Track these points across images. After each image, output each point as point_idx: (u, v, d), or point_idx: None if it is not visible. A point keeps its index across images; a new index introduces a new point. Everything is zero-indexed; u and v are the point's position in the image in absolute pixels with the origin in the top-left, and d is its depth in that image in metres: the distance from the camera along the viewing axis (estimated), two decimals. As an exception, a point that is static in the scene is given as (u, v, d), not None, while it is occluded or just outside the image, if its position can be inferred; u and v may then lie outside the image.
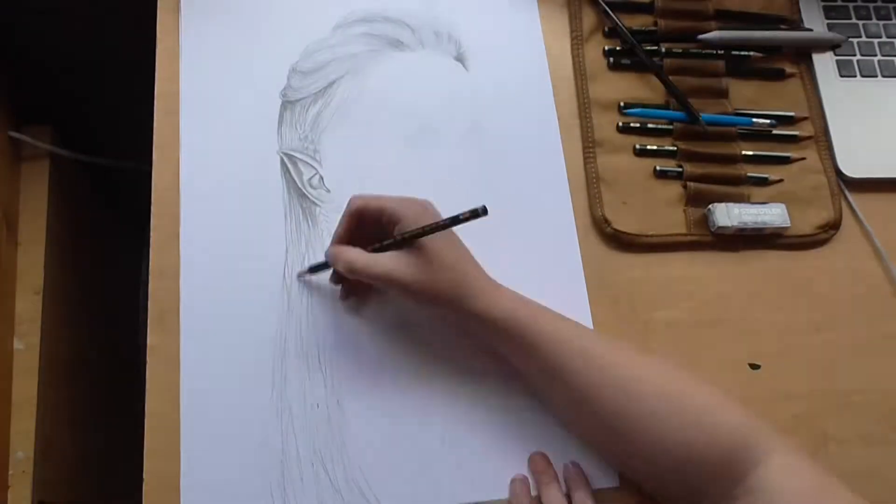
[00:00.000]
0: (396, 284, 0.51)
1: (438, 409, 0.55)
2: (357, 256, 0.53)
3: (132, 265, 1.00)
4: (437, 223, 0.51)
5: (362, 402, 0.55)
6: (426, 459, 0.54)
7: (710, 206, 0.62)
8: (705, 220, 0.63)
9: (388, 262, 0.52)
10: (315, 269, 0.57)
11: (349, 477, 0.53)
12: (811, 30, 0.70)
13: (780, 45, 0.69)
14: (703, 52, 0.68)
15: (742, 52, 0.69)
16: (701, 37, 0.68)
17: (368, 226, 0.54)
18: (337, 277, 0.57)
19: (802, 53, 0.70)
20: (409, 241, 0.51)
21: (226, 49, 0.63)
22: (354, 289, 0.57)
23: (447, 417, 0.55)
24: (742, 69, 0.69)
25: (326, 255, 0.55)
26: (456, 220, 0.50)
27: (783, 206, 0.63)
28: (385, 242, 0.53)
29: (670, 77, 0.67)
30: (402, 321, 0.57)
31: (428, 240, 0.51)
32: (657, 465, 0.49)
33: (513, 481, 0.54)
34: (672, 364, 0.52)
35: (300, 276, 0.57)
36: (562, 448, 0.55)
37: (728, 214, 0.61)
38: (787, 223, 0.62)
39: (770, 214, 0.62)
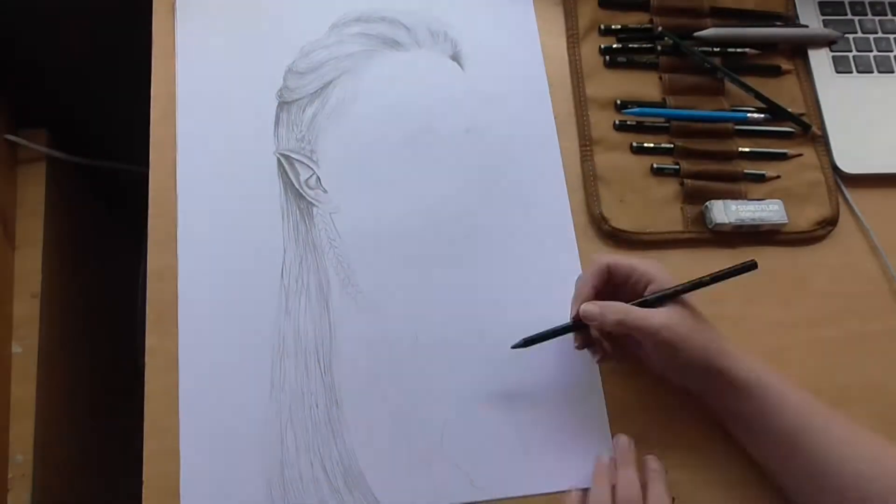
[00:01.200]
0: (671, 338, 0.51)
1: (438, 408, 0.55)
2: (630, 309, 0.52)
3: (130, 267, 1.00)
4: (713, 276, 0.54)
5: (361, 402, 0.55)
6: (426, 459, 0.54)
7: (707, 203, 0.63)
8: (702, 218, 0.63)
9: (663, 317, 0.52)
10: (540, 338, 0.55)
11: (349, 477, 0.53)
12: (807, 26, 0.70)
13: (775, 42, 0.69)
14: (700, 49, 0.68)
15: (738, 50, 0.69)
16: (697, 34, 0.68)
17: (608, 285, 0.55)
18: (582, 341, 0.56)
19: (798, 50, 0.70)
20: (673, 297, 0.53)
21: (221, 50, 0.63)
22: (606, 349, 0.56)
23: (446, 417, 0.55)
24: (738, 66, 0.69)
25: (584, 312, 0.53)
26: (726, 275, 0.53)
27: (780, 202, 0.63)
28: (656, 295, 0.53)
29: (668, 75, 0.67)
30: (403, 322, 0.57)
31: (687, 300, 0.53)
32: None
33: (598, 458, 0.55)
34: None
35: (516, 346, 0.56)
36: (568, 449, 0.55)
37: (725, 211, 0.61)
38: (785, 219, 0.62)
39: (767, 211, 0.62)
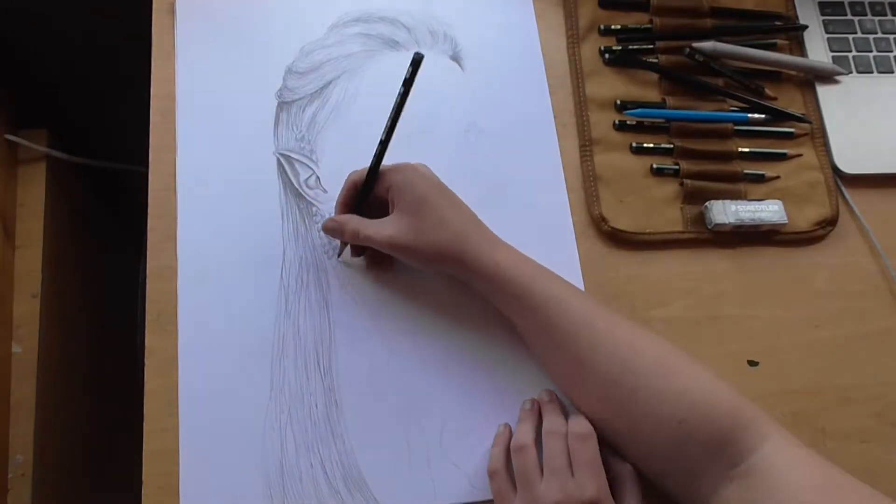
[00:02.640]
0: (400, 248, 0.53)
1: (437, 408, 0.55)
2: (360, 225, 0.54)
3: (130, 267, 1.00)
4: (389, 122, 0.53)
5: (361, 403, 0.55)
6: (425, 459, 0.54)
7: (706, 203, 0.63)
8: (702, 218, 0.63)
9: (389, 228, 0.53)
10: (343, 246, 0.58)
11: (348, 477, 0.53)
12: (806, 26, 0.70)
13: (779, 70, 0.69)
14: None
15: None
16: (696, 45, 0.67)
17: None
18: (356, 249, 0.58)
19: (799, 51, 0.70)
20: (376, 170, 0.54)
21: (221, 50, 0.63)
22: (374, 255, 0.58)
23: (446, 417, 0.55)
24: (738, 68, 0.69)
25: (324, 228, 0.56)
26: (406, 88, 0.52)
27: (780, 202, 0.63)
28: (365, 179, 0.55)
29: (667, 76, 0.67)
30: (402, 322, 0.57)
31: (428, 202, 0.53)
32: (650, 439, 0.49)
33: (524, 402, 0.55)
34: (669, 342, 0.52)
35: (340, 257, 0.58)
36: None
37: (725, 211, 0.62)
38: (785, 220, 0.62)
39: (767, 211, 0.62)
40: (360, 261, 0.58)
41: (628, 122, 0.66)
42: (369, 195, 0.56)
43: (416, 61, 0.50)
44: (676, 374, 0.50)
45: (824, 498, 0.45)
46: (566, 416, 0.53)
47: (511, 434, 0.54)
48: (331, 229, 0.56)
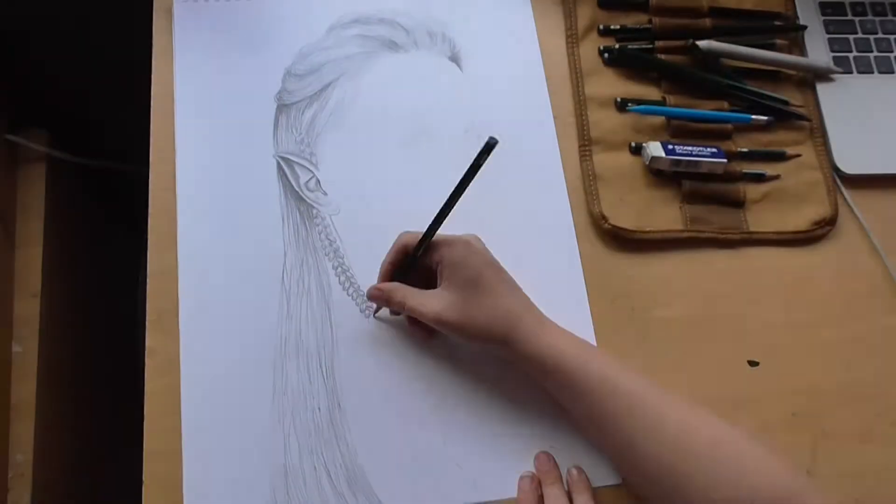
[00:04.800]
0: (447, 325, 0.52)
1: (440, 410, 0.55)
2: (408, 296, 0.53)
3: (130, 267, 1.00)
4: (451, 198, 0.51)
5: (364, 405, 0.55)
6: (428, 460, 0.54)
7: (643, 143, 0.64)
8: (701, 218, 0.63)
9: (437, 303, 0.52)
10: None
11: (351, 479, 0.53)
12: (806, 26, 0.70)
13: (777, 70, 0.69)
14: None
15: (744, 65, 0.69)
16: (692, 42, 0.67)
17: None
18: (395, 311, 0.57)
19: (798, 50, 0.70)
20: (428, 238, 0.52)
21: (220, 52, 0.63)
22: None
23: (448, 418, 0.55)
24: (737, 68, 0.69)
25: (368, 295, 0.55)
26: (472, 170, 0.50)
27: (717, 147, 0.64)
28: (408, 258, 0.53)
29: (666, 77, 0.67)
30: (402, 325, 0.57)
31: (480, 282, 0.51)
32: None
33: (521, 478, 0.54)
34: (723, 420, 0.50)
35: (375, 315, 0.57)
36: (565, 448, 0.55)
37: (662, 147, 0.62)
38: (724, 160, 0.63)
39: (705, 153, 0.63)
40: (359, 263, 0.58)
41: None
42: (418, 265, 0.55)
43: (490, 146, 0.49)
44: (732, 457, 0.48)
45: None
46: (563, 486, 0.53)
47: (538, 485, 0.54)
48: (376, 297, 0.55)
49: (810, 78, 0.70)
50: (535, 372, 0.52)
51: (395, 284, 0.55)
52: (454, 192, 0.52)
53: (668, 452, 0.48)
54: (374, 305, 0.57)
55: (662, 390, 0.50)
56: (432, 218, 0.52)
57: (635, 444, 0.49)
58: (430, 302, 0.52)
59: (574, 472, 0.54)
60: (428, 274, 0.55)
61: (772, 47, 0.69)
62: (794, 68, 0.69)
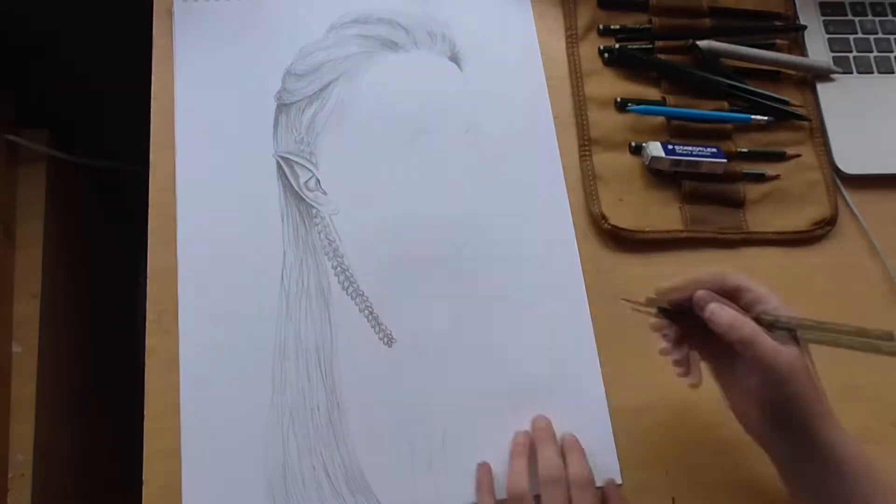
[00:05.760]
0: (793, 380, 0.46)
1: (439, 409, 0.55)
2: (759, 329, 0.47)
3: (130, 267, 1.00)
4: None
5: (363, 405, 0.55)
6: (428, 461, 0.54)
7: (644, 143, 0.64)
8: (701, 218, 0.63)
9: (793, 354, 0.47)
10: (664, 310, 0.52)
11: (351, 480, 0.53)
12: (805, 26, 0.70)
13: (777, 69, 0.69)
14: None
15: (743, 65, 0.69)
16: (692, 42, 0.67)
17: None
18: (669, 315, 0.52)
19: (799, 51, 0.70)
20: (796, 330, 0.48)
21: (220, 52, 0.63)
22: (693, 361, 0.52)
23: (448, 418, 0.55)
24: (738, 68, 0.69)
25: (711, 308, 0.49)
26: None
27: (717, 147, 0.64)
28: (789, 320, 0.49)
29: (666, 77, 0.67)
30: (403, 322, 0.57)
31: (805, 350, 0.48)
32: None
33: (516, 433, 0.54)
34: None
35: (633, 304, 0.53)
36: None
37: (662, 147, 0.62)
38: (723, 160, 0.63)
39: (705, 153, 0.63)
40: (359, 262, 0.58)
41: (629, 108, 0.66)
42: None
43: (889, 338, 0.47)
44: None
45: None
46: (559, 447, 0.53)
47: (489, 475, 0.53)
48: (716, 314, 0.48)
49: (810, 78, 0.70)
50: (822, 463, 0.47)
51: (749, 320, 0.48)
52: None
53: None
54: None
55: None
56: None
57: None
58: (785, 350, 0.47)
59: (568, 436, 0.54)
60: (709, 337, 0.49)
61: (772, 47, 0.69)
62: (794, 68, 0.69)
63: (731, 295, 0.50)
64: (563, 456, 0.52)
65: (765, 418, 0.48)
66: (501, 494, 0.53)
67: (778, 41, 0.70)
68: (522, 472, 0.52)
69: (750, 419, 0.49)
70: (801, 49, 0.71)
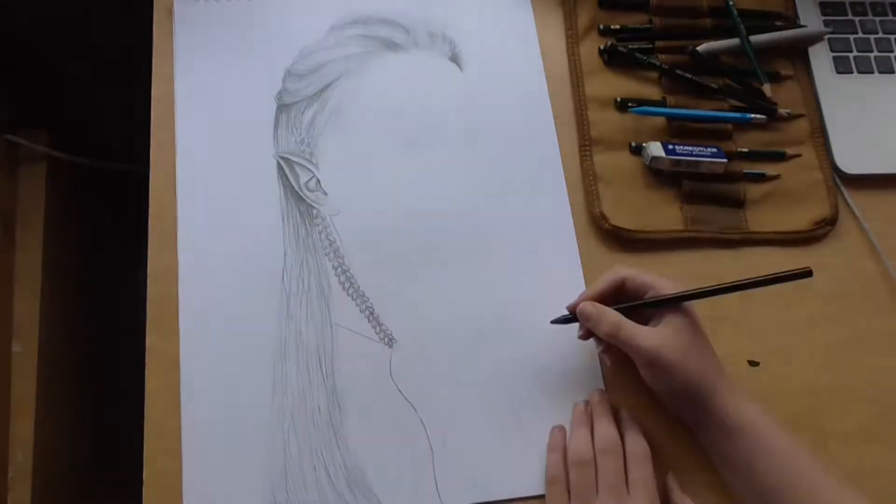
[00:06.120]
0: (662, 363, 0.50)
1: (441, 410, 0.55)
2: (625, 322, 0.52)
3: (130, 267, 1.00)
4: (752, 280, 0.52)
5: (364, 405, 0.55)
6: (428, 461, 0.54)
7: (644, 143, 0.64)
8: (700, 218, 0.63)
9: (658, 338, 0.51)
10: (561, 321, 0.56)
11: (351, 480, 0.53)
12: (805, 26, 0.70)
13: (772, 47, 0.69)
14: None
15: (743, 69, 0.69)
16: (690, 49, 0.67)
17: (621, 297, 0.54)
18: (585, 334, 0.56)
19: (798, 52, 0.70)
20: (668, 305, 0.52)
21: (220, 52, 0.63)
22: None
23: (449, 419, 0.55)
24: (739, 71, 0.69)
25: (581, 310, 0.54)
26: (775, 280, 0.51)
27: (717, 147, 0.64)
28: (652, 299, 0.52)
29: (667, 77, 0.67)
30: (403, 322, 0.57)
31: (699, 328, 0.52)
32: None
33: (576, 404, 0.55)
34: None
35: (553, 321, 0.57)
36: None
37: (663, 148, 0.62)
38: (724, 160, 0.63)
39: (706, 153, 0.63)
40: (359, 263, 0.58)
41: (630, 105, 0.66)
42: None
43: (804, 275, 0.51)
44: None
45: None
46: (617, 423, 0.54)
47: (564, 437, 0.54)
48: (587, 315, 0.53)
49: (804, 48, 0.70)
50: (721, 434, 0.51)
51: (610, 309, 0.53)
52: (721, 288, 0.52)
53: None
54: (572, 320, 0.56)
55: (841, 480, 0.49)
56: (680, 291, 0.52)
57: None
58: (650, 335, 0.51)
59: (624, 412, 0.55)
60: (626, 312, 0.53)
61: (774, 51, 0.69)
62: (785, 42, 0.69)
63: (630, 291, 0.54)
64: (620, 430, 0.54)
65: (659, 391, 0.53)
66: (506, 491, 0.53)
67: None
68: (587, 438, 0.53)
69: (658, 395, 0.54)
70: (800, 49, 0.70)
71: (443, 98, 0.64)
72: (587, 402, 0.56)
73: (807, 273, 0.51)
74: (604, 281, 0.54)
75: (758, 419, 0.50)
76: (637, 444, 0.52)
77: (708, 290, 0.52)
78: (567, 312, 0.56)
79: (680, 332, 0.51)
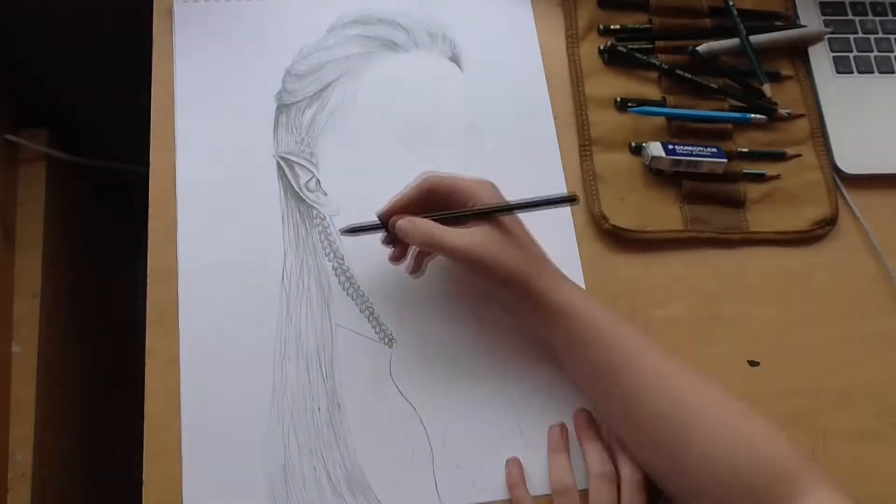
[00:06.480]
0: (474, 259, 0.51)
1: (440, 410, 0.55)
2: (435, 228, 0.52)
3: (130, 267, 1.00)
4: (524, 203, 0.52)
5: (364, 405, 0.55)
6: (428, 461, 0.54)
7: (644, 143, 0.64)
8: (700, 219, 0.63)
9: (467, 237, 0.51)
10: (360, 229, 0.56)
11: (351, 479, 0.53)
12: (805, 26, 0.70)
13: (772, 47, 0.69)
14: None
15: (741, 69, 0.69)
16: (691, 49, 0.67)
17: (430, 203, 0.54)
18: (389, 239, 0.56)
19: (798, 51, 0.70)
20: (484, 216, 0.52)
21: (220, 52, 0.63)
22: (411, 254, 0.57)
23: (449, 419, 0.55)
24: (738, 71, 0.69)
25: (397, 228, 0.53)
26: (544, 203, 0.52)
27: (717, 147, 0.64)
28: (461, 212, 0.53)
29: (667, 77, 0.67)
30: (404, 323, 0.57)
31: (505, 219, 0.52)
32: (699, 481, 0.48)
33: (551, 427, 0.55)
34: (725, 388, 0.50)
35: (342, 231, 0.56)
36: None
37: (662, 148, 0.62)
38: (724, 160, 0.63)
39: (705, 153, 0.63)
40: (359, 263, 0.58)
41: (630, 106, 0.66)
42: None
43: (570, 200, 0.52)
44: (729, 416, 0.49)
45: None
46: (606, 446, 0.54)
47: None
48: (404, 230, 0.53)
49: (802, 47, 0.70)
50: (546, 318, 0.52)
51: (423, 219, 0.53)
52: (511, 205, 0.53)
53: (667, 405, 0.49)
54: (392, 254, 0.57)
55: (667, 352, 0.51)
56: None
57: (636, 396, 0.50)
58: (461, 235, 0.52)
59: (615, 433, 0.54)
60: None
61: (774, 51, 0.69)
62: (786, 42, 0.69)
63: (443, 200, 0.54)
64: (610, 454, 0.53)
65: (488, 290, 0.54)
66: (506, 491, 0.53)
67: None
68: (566, 466, 0.53)
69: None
70: (800, 49, 0.70)
71: (443, 98, 0.64)
72: (562, 426, 0.55)
73: (573, 199, 0.52)
74: (409, 192, 0.54)
75: (578, 301, 0.52)
76: (632, 471, 0.52)
77: (487, 209, 0.53)
78: (376, 220, 0.55)
79: (496, 232, 0.52)
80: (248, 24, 0.64)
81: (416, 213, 0.53)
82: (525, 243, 0.53)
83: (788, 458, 0.47)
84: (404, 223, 0.53)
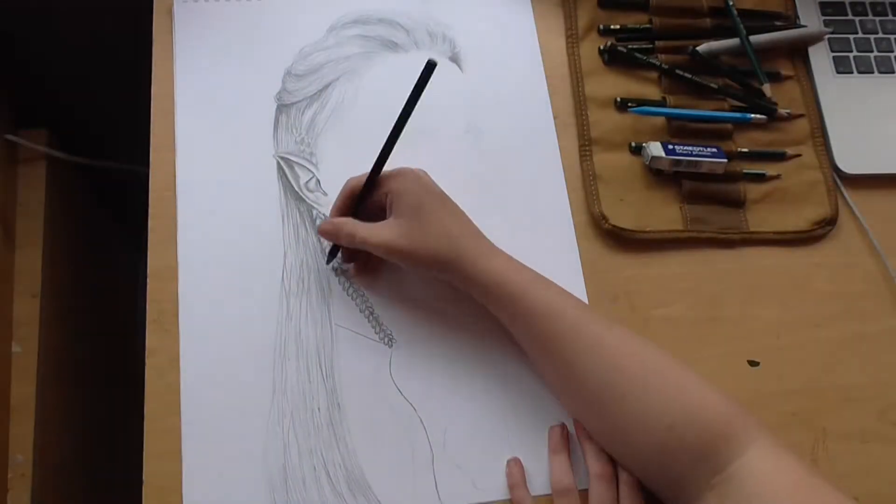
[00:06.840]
0: (396, 252, 0.53)
1: (440, 410, 0.55)
2: (356, 227, 0.54)
3: (130, 267, 1.00)
4: (403, 112, 0.52)
5: (364, 405, 0.55)
6: (429, 461, 0.54)
7: (644, 143, 0.64)
8: (700, 219, 0.63)
9: (385, 232, 0.53)
10: (333, 252, 0.57)
11: (351, 479, 0.53)
12: (805, 26, 0.70)
13: (772, 48, 0.69)
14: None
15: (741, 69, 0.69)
16: (691, 49, 0.67)
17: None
18: (347, 255, 0.57)
19: (798, 51, 0.70)
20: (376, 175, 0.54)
21: (220, 52, 0.63)
22: (365, 263, 0.58)
23: (449, 419, 0.55)
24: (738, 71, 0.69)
25: (320, 231, 0.56)
26: (415, 94, 0.51)
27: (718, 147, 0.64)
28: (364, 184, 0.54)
29: (667, 77, 0.67)
30: (404, 324, 0.57)
31: (425, 208, 0.53)
32: (638, 444, 0.49)
33: (552, 427, 0.55)
34: (662, 348, 0.51)
35: (335, 268, 0.58)
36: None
37: (662, 148, 0.63)
38: (724, 160, 0.63)
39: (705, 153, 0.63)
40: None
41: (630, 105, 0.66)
42: (367, 200, 0.55)
43: (430, 67, 0.50)
44: (666, 380, 0.49)
45: None
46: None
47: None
48: (326, 232, 0.56)
49: (801, 45, 0.70)
50: (483, 295, 0.53)
51: (345, 219, 0.55)
52: (398, 123, 0.53)
53: (606, 372, 0.50)
54: (338, 264, 0.58)
55: (605, 318, 0.52)
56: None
57: (576, 363, 0.51)
58: (379, 231, 0.53)
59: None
60: (380, 212, 0.55)
61: (774, 51, 0.69)
62: (786, 42, 0.69)
63: (375, 199, 0.55)
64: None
65: (420, 270, 0.55)
66: (506, 491, 0.53)
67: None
68: (566, 466, 0.53)
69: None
70: (800, 49, 0.71)
71: (443, 98, 0.63)
72: (562, 426, 0.55)
73: (432, 65, 0.50)
74: (339, 199, 0.56)
75: (511, 274, 0.52)
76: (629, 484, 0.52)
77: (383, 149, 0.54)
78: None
79: (410, 221, 0.53)
80: (248, 24, 0.64)
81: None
82: (446, 226, 0.53)
83: (727, 419, 0.47)
84: (326, 226, 0.55)
